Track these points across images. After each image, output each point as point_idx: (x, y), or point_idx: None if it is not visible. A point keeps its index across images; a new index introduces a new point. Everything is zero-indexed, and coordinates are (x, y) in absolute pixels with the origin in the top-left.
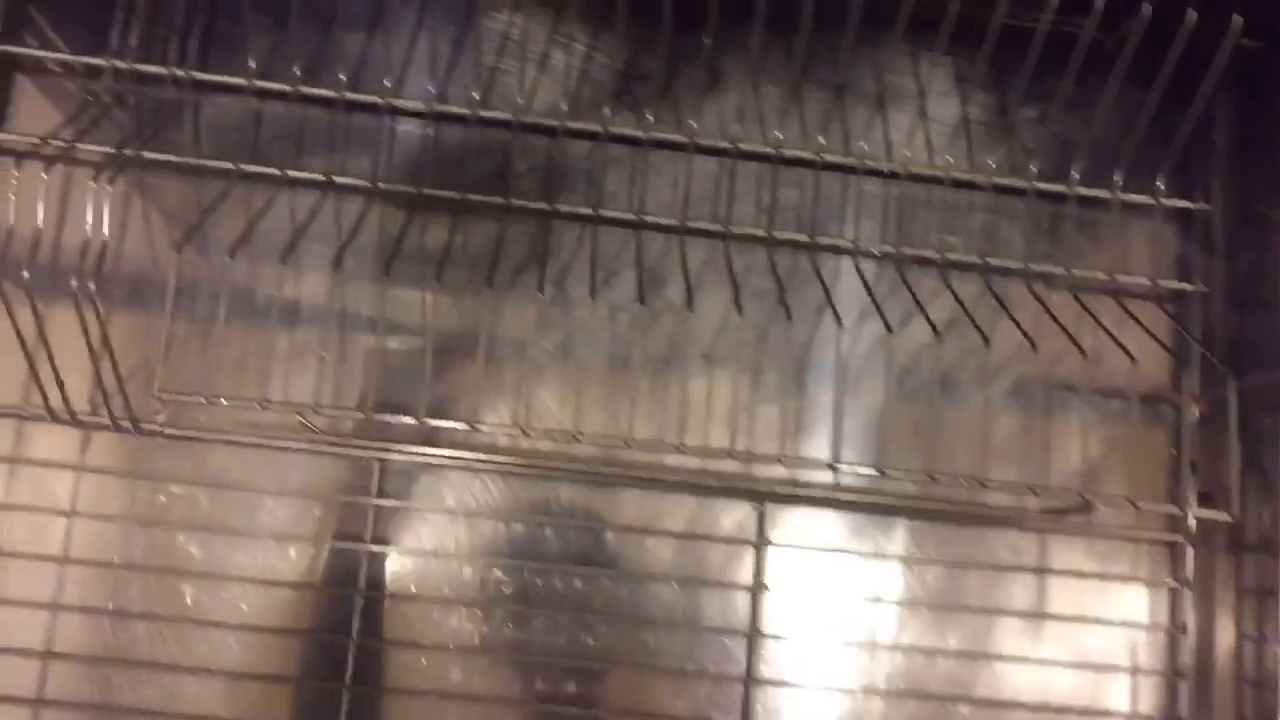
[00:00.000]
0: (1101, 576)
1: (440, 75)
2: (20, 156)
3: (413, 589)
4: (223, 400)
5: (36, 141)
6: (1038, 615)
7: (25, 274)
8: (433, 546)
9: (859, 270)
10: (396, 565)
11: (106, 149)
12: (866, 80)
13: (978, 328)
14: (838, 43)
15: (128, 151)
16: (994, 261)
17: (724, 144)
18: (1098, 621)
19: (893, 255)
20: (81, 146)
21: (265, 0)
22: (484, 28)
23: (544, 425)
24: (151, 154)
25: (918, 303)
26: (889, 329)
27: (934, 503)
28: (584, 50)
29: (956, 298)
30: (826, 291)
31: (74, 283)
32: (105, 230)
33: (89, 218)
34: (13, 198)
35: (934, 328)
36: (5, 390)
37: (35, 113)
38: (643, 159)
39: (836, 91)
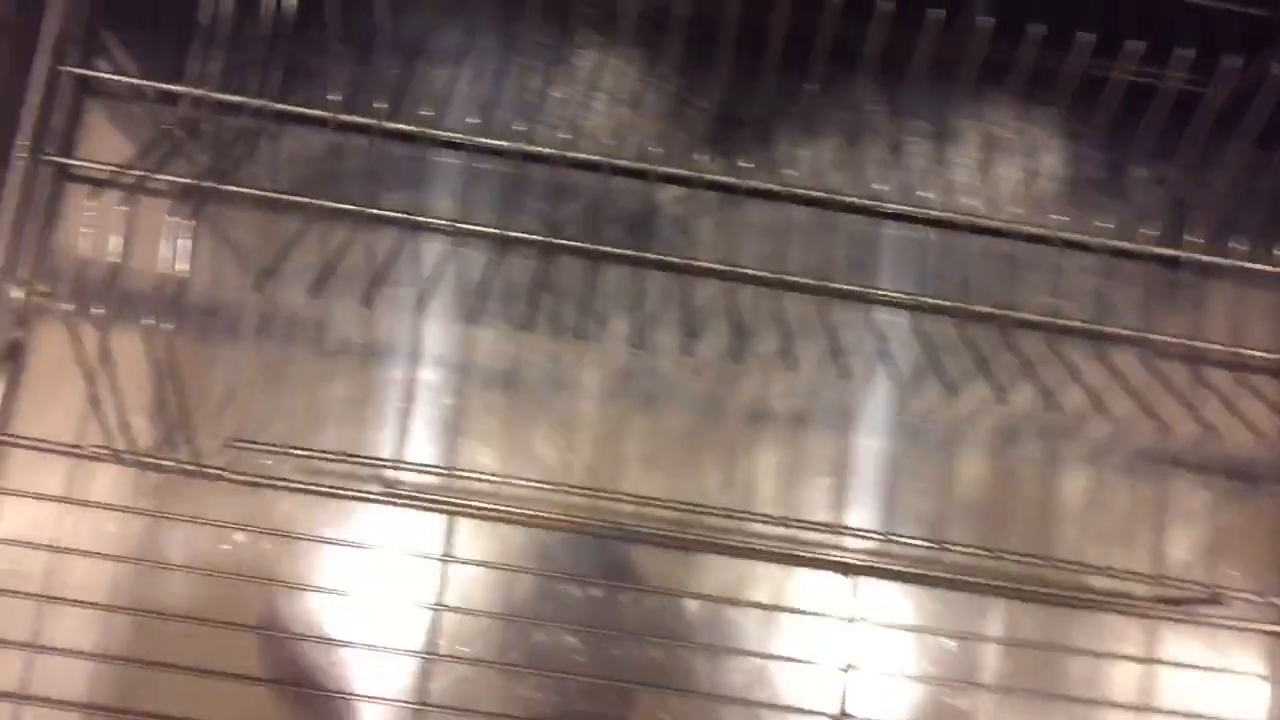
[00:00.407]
0: (1214, 669)
1: (528, 114)
2: (97, 184)
3: (481, 653)
4: (297, 451)
5: (115, 169)
6: (1145, 708)
7: (99, 310)
8: (503, 608)
9: (967, 337)
10: (465, 627)
11: (185, 180)
12: (970, 131)
13: (1097, 401)
14: (945, 91)
15: (207, 184)
16: (1107, 329)
17: (822, 194)
18: (1209, 717)
19: (998, 317)
20: (159, 177)
21: (350, 32)
22: (574, 66)
23: (625, 483)
24: (230, 187)
25: (1027, 368)
26: (1000, 394)
27: (1039, 585)
28: (678, 92)
29: (1068, 366)
30: (930, 355)
31: (149, 322)
32: (184, 267)
33: (163, 253)
34: (85, 230)
35: (1048, 396)
36: (61, 427)
37: (106, 140)
38: (736, 207)
39: (939, 142)
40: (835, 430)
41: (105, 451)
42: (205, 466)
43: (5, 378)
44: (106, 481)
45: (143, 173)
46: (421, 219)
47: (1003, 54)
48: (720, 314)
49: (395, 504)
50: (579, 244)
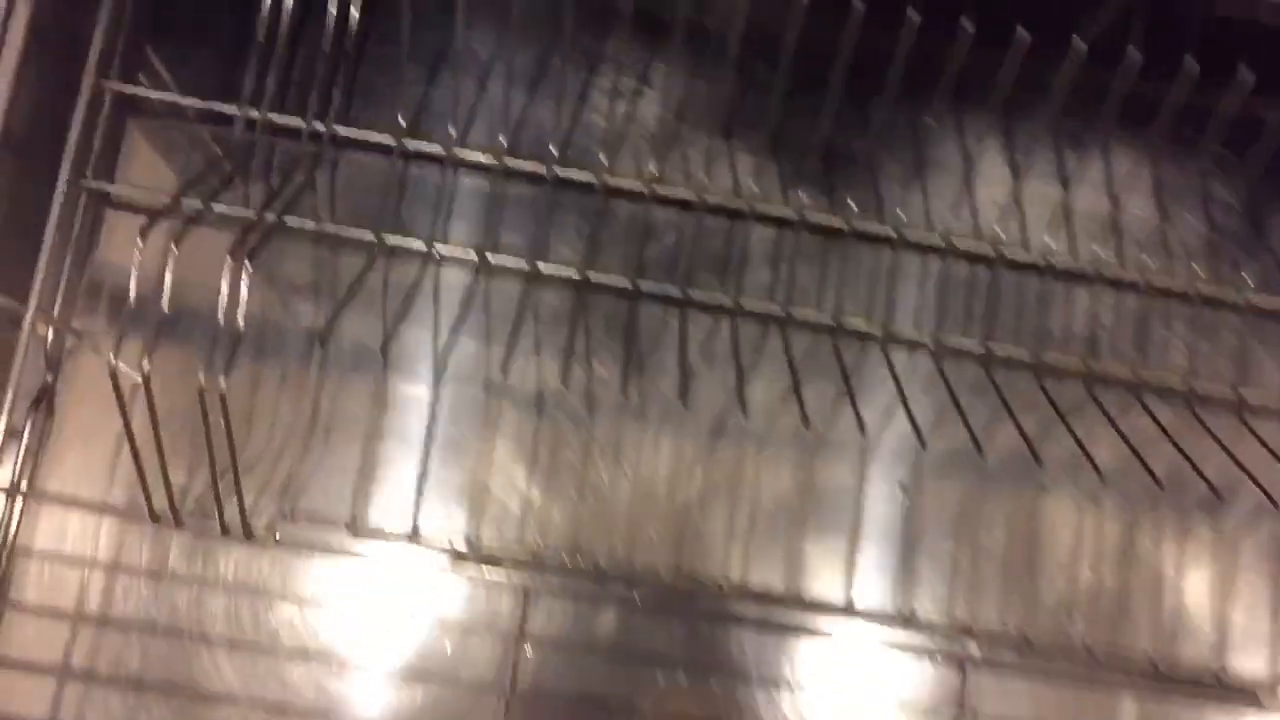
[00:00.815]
0: None
1: (611, 143)
2: (140, 213)
3: None
4: (370, 523)
5: (164, 199)
6: None
7: (146, 364)
8: (581, 691)
9: (1095, 399)
10: (540, 712)
11: (238, 210)
12: (1097, 173)
13: (1261, 487)
14: (1072, 131)
15: (267, 216)
16: (1249, 397)
17: (935, 240)
18: None
19: (1132, 383)
20: (213, 206)
21: (419, 51)
22: (662, 94)
23: (709, 562)
24: (292, 219)
25: (1170, 439)
26: (1158, 483)
27: (1171, 679)
28: (777, 126)
29: (1207, 433)
30: (1067, 426)
31: (194, 367)
32: (236, 311)
33: (211, 291)
34: (126, 264)
35: (1212, 486)
36: (95, 479)
37: (149, 165)
38: (839, 252)
39: (1064, 186)
40: (952, 504)
41: (142, 512)
42: (251, 532)
43: (34, 425)
44: (143, 541)
45: (192, 201)
46: (494, 259)
47: (1142, 89)
48: (821, 369)
49: (465, 577)
50: (667, 290)
